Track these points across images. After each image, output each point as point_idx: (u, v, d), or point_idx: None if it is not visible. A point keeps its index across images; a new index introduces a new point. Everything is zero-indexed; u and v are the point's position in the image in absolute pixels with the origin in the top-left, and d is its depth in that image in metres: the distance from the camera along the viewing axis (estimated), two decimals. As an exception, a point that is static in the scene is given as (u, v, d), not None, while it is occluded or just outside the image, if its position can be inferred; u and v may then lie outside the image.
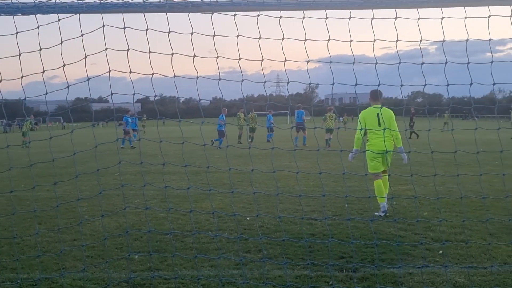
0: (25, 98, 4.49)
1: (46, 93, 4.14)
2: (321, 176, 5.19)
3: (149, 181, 11.15)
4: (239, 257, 5.25)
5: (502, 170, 5.03)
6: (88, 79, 4.23)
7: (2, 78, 4.00)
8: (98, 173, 5.42)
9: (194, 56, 4.12)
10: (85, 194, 9.71)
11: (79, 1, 3.84)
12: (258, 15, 4.00)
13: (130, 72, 4.07)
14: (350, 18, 3.98)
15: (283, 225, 6.81)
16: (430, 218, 6.93)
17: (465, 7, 3.87)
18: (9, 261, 5.32)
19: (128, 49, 4.08)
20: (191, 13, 3.94)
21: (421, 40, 4.20)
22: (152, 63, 4.10)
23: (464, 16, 3.92)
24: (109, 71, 4.08)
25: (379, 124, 7.32)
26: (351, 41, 4.14)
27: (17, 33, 4.01)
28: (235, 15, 3.97)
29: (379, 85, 4.25)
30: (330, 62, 4.23)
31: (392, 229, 6.44)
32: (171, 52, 4.11)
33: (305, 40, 4.08)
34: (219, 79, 4.21)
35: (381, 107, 7.38)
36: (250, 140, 23.85)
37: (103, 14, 3.95)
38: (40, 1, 3.79)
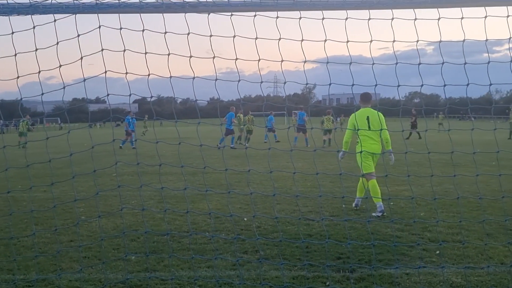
0: (21, 99, 4.47)
1: (42, 94, 4.13)
2: (318, 176, 5.19)
3: (146, 182, 11.15)
4: (236, 257, 5.24)
5: (498, 170, 5.04)
6: (84, 80, 4.21)
7: (-2, 79, 3.99)
8: (95, 174, 5.41)
9: (191, 56, 4.11)
10: (82, 195, 9.69)
11: (75, 1, 3.82)
12: (255, 16, 3.99)
13: (127, 73, 4.06)
14: (347, 18, 3.98)
15: (280, 225, 6.81)
16: (427, 219, 6.94)
17: (462, 8, 3.87)
18: (5, 262, 5.31)
19: (124, 50, 4.06)
20: (187, 14, 3.93)
21: (418, 41, 4.20)
22: (148, 64, 4.10)
23: (461, 17, 3.93)
24: (105, 72, 4.07)
25: (369, 127, 7.41)
26: (348, 41, 4.14)
27: (12, 33, 3.99)
28: (231, 15, 3.97)
29: (376, 85, 4.25)
30: (327, 62, 4.23)
31: (389, 229, 6.45)
32: (168, 52, 4.11)
33: (302, 40, 4.07)
34: (216, 79, 4.20)
35: (374, 110, 7.45)
36: (246, 141, 23.86)
37: (99, 14, 3.93)
38: (36, 2, 3.77)
